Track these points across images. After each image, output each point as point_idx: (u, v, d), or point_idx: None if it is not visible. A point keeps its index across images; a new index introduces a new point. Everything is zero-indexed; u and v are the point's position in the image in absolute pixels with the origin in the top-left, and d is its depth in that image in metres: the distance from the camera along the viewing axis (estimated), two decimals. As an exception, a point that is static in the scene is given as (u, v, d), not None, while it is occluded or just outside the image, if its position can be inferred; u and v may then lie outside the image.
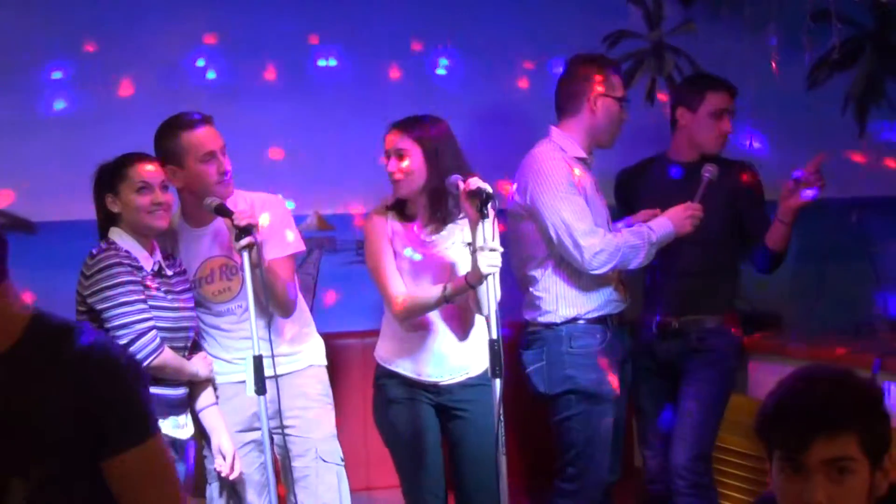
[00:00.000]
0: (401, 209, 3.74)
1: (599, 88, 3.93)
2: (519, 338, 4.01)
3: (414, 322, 3.69)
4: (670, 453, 4.11)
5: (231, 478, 3.58)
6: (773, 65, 4.16)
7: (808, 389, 1.99)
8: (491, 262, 3.33)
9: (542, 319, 3.92)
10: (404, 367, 3.72)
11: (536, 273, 3.93)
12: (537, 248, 3.91)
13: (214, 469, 3.62)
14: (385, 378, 3.78)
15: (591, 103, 3.93)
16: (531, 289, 3.94)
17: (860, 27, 5.13)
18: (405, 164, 3.61)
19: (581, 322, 3.89)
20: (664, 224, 3.89)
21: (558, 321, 3.89)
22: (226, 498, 3.69)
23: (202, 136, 3.56)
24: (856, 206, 4.60)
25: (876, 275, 4.59)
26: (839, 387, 1.99)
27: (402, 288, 3.65)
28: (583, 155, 3.96)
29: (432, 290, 3.58)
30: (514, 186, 3.94)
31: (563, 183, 3.81)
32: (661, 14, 5.10)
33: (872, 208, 4.44)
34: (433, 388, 3.73)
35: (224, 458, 3.58)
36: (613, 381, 3.90)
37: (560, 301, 3.89)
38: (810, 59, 4.78)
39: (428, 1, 4.80)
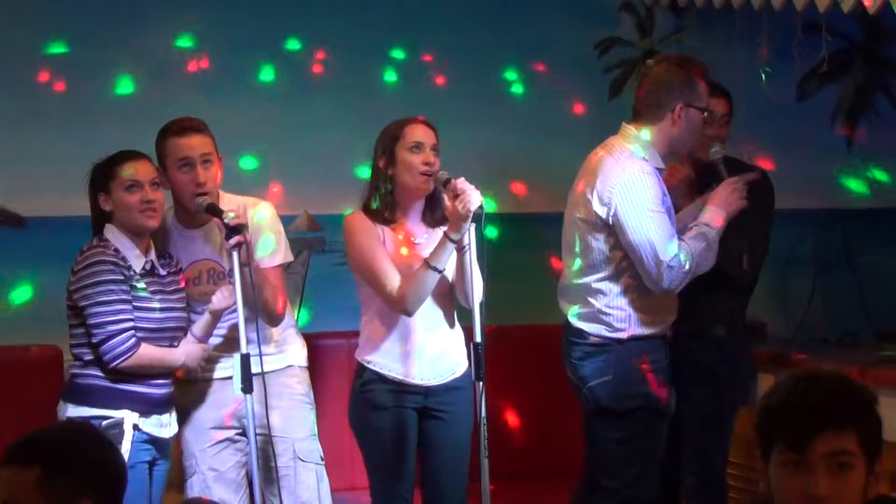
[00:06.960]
0: (381, 213, 3.69)
1: (685, 99, 3.67)
2: (566, 347, 3.80)
3: (395, 321, 3.64)
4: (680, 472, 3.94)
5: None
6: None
7: (813, 386, 2.08)
8: (467, 202, 3.34)
9: (609, 334, 3.71)
10: (394, 371, 3.67)
11: (603, 286, 3.72)
12: (609, 262, 3.71)
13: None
14: (373, 383, 3.69)
15: (673, 114, 3.68)
16: (593, 300, 3.73)
17: (850, 39, 5.17)
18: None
19: (647, 340, 3.72)
20: (714, 214, 3.69)
21: (626, 337, 3.69)
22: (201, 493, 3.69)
23: (184, 143, 3.53)
24: (841, 217, 4.62)
25: (860, 285, 4.61)
26: (842, 385, 2.09)
27: (399, 278, 3.58)
28: (662, 166, 3.76)
29: (416, 266, 3.53)
30: (589, 192, 3.68)
31: (651, 201, 3.59)
32: (652, 22, 5.12)
33: (857, 219, 4.47)
34: (423, 391, 3.70)
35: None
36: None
37: (632, 319, 3.69)
38: (800, 71, 4.82)
39: (419, 5, 4.82)
